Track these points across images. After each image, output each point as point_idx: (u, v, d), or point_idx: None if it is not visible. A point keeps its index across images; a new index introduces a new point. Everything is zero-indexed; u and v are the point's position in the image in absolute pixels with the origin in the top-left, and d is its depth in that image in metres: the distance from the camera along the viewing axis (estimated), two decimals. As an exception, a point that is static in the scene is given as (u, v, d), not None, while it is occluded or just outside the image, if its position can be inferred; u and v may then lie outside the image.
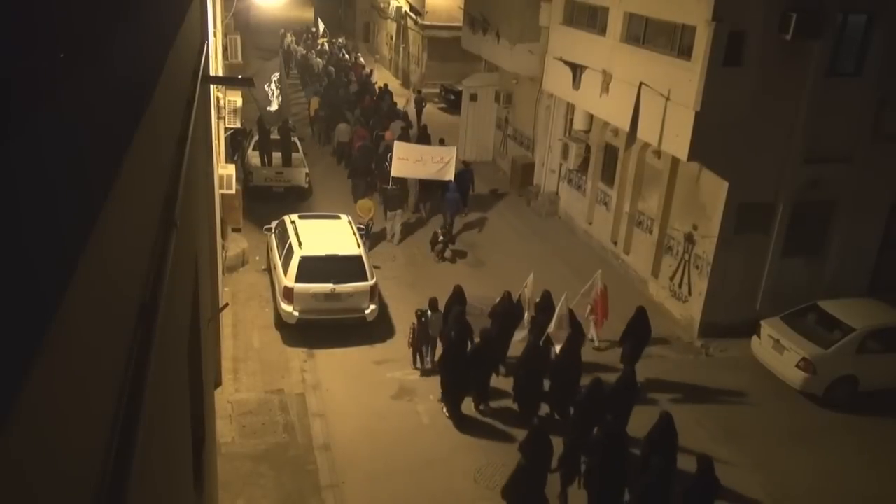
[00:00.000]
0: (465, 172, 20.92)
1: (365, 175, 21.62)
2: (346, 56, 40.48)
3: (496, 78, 25.36)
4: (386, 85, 31.87)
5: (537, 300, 13.89)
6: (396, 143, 20.30)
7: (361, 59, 39.81)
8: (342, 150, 24.67)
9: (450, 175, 19.72)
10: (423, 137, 23.97)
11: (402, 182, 20.03)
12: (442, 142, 22.24)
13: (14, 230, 1.52)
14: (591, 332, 14.72)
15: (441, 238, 18.42)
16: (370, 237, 18.38)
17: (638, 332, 13.50)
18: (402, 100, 30.09)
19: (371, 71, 36.51)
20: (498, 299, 14.00)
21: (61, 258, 1.80)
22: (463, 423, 12.51)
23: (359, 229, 16.52)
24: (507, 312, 13.70)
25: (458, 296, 13.97)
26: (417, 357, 13.91)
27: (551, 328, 12.88)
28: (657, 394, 13.50)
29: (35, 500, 1.55)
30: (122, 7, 3.23)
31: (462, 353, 12.51)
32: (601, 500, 10.13)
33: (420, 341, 13.74)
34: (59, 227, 1.83)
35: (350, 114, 27.44)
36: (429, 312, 13.63)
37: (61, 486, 1.77)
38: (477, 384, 12.66)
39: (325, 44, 44.01)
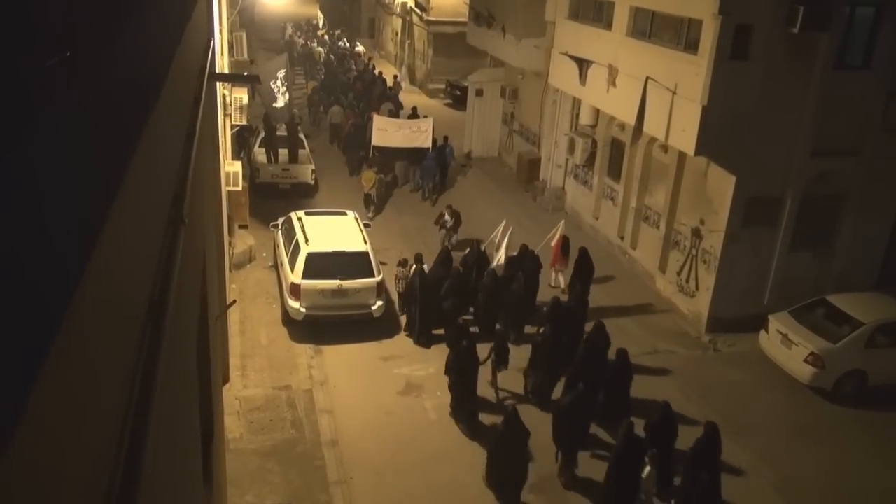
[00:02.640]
0: (445, 147, 23.03)
1: (357, 149, 23.89)
2: (347, 45, 42.63)
3: (502, 73, 25.30)
4: (381, 72, 33.86)
5: (514, 253, 15.99)
6: (375, 117, 22.88)
7: (360, 48, 40.98)
8: (335, 131, 26.71)
9: (427, 143, 21.98)
10: (413, 118, 24.95)
11: (383, 150, 22.30)
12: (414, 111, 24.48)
13: (23, 228, 1.53)
14: (558, 279, 16.95)
15: (446, 219, 18.77)
16: (375, 202, 20.97)
17: (583, 270, 15.93)
18: (404, 96, 30.62)
19: (370, 59, 38.41)
20: (468, 250, 16.42)
21: (71, 256, 1.81)
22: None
23: (366, 198, 20.26)
24: (476, 260, 15.95)
25: (445, 253, 16.41)
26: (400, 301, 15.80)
27: (498, 260, 15.35)
28: (665, 389, 13.46)
29: (47, 497, 1.56)
30: (129, 5, 3.24)
31: (435, 292, 14.82)
32: (542, 388, 12.84)
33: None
34: (68, 224, 1.84)
35: (344, 97, 29.53)
36: (414, 265, 15.18)
37: (72, 483, 1.78)
38: (449, 318, 14.86)
39: (325, 35, 45.39)
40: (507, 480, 10.82)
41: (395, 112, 26.36)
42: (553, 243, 16.89)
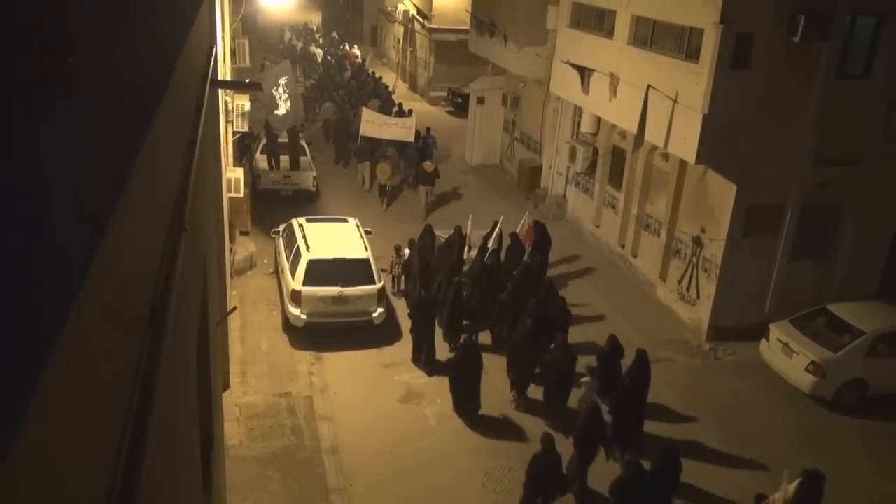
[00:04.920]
0: (428, 138, 24.51)
1: (344, 140, 25.55)
2: (345, 47, 44.57)
3: (503, 81, 25.36)
4: (374, 72, 35.66)
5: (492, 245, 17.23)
6: (364, 109, 24.17)
7: (356, 50, 43.17)
8: (327, 126, 28.11)
9: (409, 137, 23.30)
10: (401, 115, 25.67)
11: (369, 140, 23.53)
12: (410, 112, 25.09)
13: (25, 233, 1.54)
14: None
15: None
16: (389, 193, 22.49)
17: (542, 242, 17.27)
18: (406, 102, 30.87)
19: (364, 60, 40.32)
20: (451, 232, 17.23)
21: (72, 261, 1.82)
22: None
23: (381, 188, 22.01)
24: (458, 241, 17.09)
25: (429, 232, 17.25)
26: (394, 283, 16.85)
27: (489, 243, 16.92)
28: (665, 397, 13.46)
29: (47, 501, 1.56)
30: (132, 13, 3.26)
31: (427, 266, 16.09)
32: (506, 337, 14.16)
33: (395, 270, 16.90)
34: (69, 230, 1.85)
35: (337, 94, 31.22)
36: (407, 250, 16.39)
37: (73, 489, 1.79)
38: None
39: (321, 38, 48.74)
40: (466, 403, 12.48)
41: (382, 108, 27.18)
42: (524, 231, 17.80)
